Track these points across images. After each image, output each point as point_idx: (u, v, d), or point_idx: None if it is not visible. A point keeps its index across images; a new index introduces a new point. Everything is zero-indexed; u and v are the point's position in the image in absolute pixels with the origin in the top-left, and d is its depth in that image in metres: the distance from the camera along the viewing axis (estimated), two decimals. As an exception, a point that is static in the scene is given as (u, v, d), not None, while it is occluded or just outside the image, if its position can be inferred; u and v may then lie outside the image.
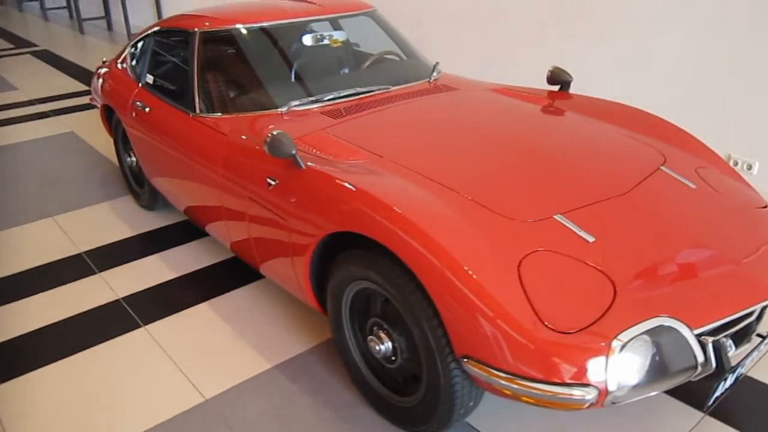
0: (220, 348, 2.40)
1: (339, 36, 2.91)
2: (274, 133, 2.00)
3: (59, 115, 5.57)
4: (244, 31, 2.75)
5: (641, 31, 3.35)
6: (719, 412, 1.99)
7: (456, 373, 1.66)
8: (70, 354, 2.40)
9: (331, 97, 2.58)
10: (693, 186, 2.02)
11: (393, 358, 1.88)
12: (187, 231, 3.33)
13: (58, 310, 2.69)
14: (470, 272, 1.53)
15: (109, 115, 3.63)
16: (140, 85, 3.15)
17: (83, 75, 7.03)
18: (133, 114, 3.07)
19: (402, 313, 1.73)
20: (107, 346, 2.44)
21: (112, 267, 3.02)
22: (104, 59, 3.84)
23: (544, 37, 3.85)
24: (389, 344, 1.86)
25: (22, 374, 2.31)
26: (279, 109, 2.51)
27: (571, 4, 3.64)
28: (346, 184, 1.81)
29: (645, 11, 3.31)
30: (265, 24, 2.78)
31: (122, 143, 3.61)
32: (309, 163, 2.00)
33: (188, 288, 2.81)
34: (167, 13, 8.10)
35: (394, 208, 1.66)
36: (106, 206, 3.68)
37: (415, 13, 4.66)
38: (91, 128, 5.13)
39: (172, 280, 2.88)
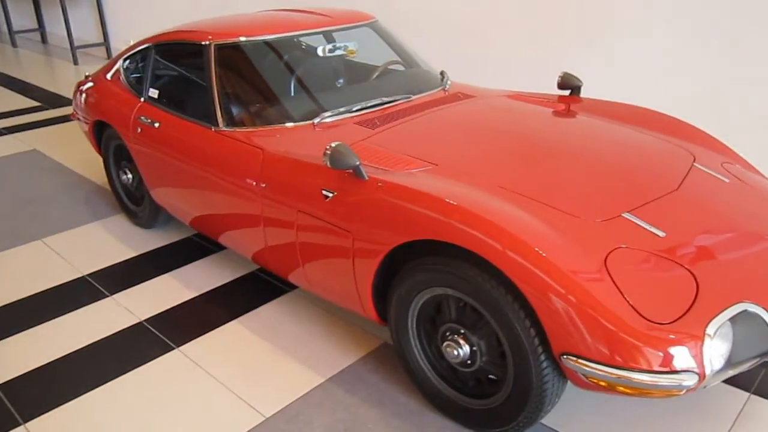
0: (264, 365, 2.35)
1: (353, 46, 2.91)
2: (334, 145, 1.99)
3: (15, 132, 5.25)
4: (260, 43, 2.72)
5: (628, 39, 3.54)
6: (764, 391, 2.14)
7: (548, 371, 1.70)
8: (105, 381, 2.28)
9: (360, 107, 2.58)
10: (726, 180, 2.17)
11: (469, 361, 1.90)
12: (193, 248, 3.23)
13: (77, 336, 2.55)
14: (567, 274, 1.58)
15: (98, 133, 3.47)
16: (142, 99, 3.03)
17: (28, 90, 6.65)
18: (139, 130, 2.95)
19: (489, 317, 1.76)
20: (144, 370, 2.34)
21: (123, 289, 2.88)
22: (87, 74, 3.67)
23: (533, 45, 3.99)
24: (467, 348, 1.88)
25: (57, 406, 2.17)
26: (312, 121, 2.49)
27: (562, 13, 3.80)
28: (427, 193, 1.82)
29: (631, 19, 3.50)
30: (281, 35, 2.76)
31: (114, 161, 3.46)
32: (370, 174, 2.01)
33: (213, 306, 2.73)
34: (114, 26, 7.80)
35: (487, 217, 1.69)
36: (98, 226, 3.51)
37: (408, 22, 4.72)
38: (56, 145, 4.86)
39: (194, 299, 2.79)
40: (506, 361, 1.80)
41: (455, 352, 1.89)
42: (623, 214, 1.85)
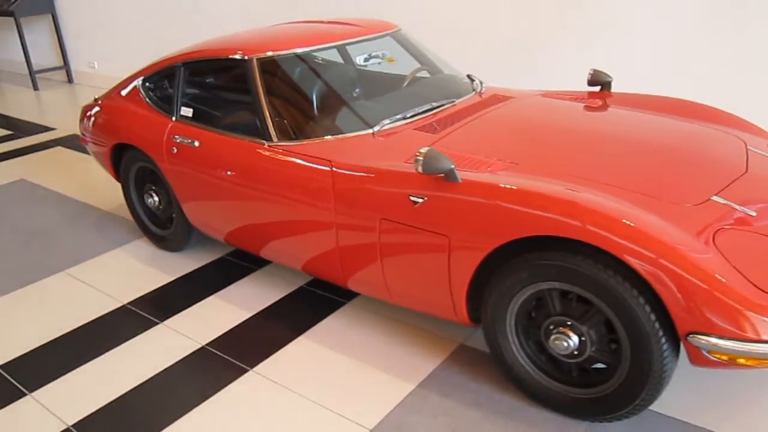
0: (348, 377, 2.32)
1: (389, 54, 2.93)
2: (425, 150, 2.00)
3: (-6, 163, 4.99)
4: (301, 55, 2.70)
5: (624, 37, 3.70)
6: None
7: (667, 352, 1.77)
8: (189, 410, 2.20)
9: (413, 113, 2.60)
10: (778, 161, 2.31)
11: (576, 352, 1.95)
12: (230, 268, 3.16)
13: (142, 366, 2.45)
14: (688, 258, 1.65)
15: (115, 157, 3.34)
16: (174, 119, 2.95)
17: (-7, 119, 6.33)
18: (174, 150, 2.87)
19: (603, 306, 1.81)
20: (225, 395, 2.27)
21: (172, 314, 2.79)
22: (95, 97, 3.53)
23: (530, 45, 4.11)
24: (576, 339, 1.93)
25: (146, 441, 2.09)
26: (371, 130, 2.49)
27: (560, 15, 3.93)
28: (541, 192, 1.86)
29: (626, 18, 3.66)
30: (320, 46, 2.75)
31: (135, 184, 3.34)
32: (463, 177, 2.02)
33: (274, 324, 2.67)
34: (74, 50, 7.49)
35: (607, 212, 1.73)
36: (120, 253, 3.38)
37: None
38: (43, 173, 4.64)
39: (251, 319, 2.72)
40: (620, 347, 1.86)
41: (564, 344, 1.93)
42: (712, 198, 1.94)
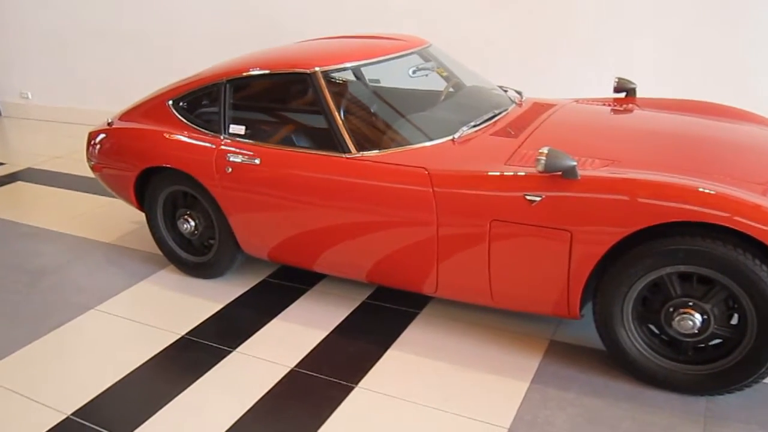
0: (456, 382, 2.32)
1: (437, 65, 3.00)
2: (546, 150, 2.08)
3: (-54, 203, 4.49)
4: (365, 66, 2.71)
5: (623, 45, 4.01)
6: None
7: (797, 321, 1.94)
8: (311, 433, 2.12)
9: (481, 120, 2.68)
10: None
11: (697, 330, 2.08)
12: (278, 289, 3.05)
13: (238, 397, 2.31)
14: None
15: (139, 184, 3.14)
16: (222, 137, 2.83)
17: None
18: (228, 170, 2.75)
19: (731, 283, 1.96)
20: (341, 415, 2.19)
21: (241, 341, 2.65)
22: (109, 120, 3.31)
23: (529, 57, 4.33)
24: (699, 317, 2.06)
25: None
26: (451, 137, 2.54)
27: (558, 25, 4.18)
28: (664, 180, 1.99)
29: (626, 25, 3.97)
30: (380, 59, 2.77)
31: (163, 210, 3.15)
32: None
33: (355, 340, 2.62)
34: (4, 82, 6.91)
35: (737, 197, 1.90)
36: (149, 285, 3.17)
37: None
38: (15, 208, 4.24)
39: (328, 338, 2.64)
40: (744, 321, 2.01)
41: (690, 323, 2.06)
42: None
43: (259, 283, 3.14)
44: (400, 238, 2.45)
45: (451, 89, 3.01)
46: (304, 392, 2.32)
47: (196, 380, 2.42)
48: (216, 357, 2.56)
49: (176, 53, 5.62)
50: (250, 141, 2.76)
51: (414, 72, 2.91)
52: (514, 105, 2.95)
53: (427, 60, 3.00)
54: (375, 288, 3.01)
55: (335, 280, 3.08)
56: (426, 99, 2.87)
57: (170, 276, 3.25)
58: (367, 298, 2.94)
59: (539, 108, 2.93)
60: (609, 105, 3.04)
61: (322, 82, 2.62)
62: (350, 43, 2.98)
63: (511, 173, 2.22)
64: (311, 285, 3.08)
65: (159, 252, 3.38)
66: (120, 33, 5.87)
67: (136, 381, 2.44)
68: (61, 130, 6.37)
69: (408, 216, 2.39)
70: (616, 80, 3.18)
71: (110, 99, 6.21)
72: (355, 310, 2.85)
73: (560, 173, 2.11)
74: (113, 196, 4.32)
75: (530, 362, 2.42)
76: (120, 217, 4.03)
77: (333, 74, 2.66)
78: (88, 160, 3.39)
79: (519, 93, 3.12)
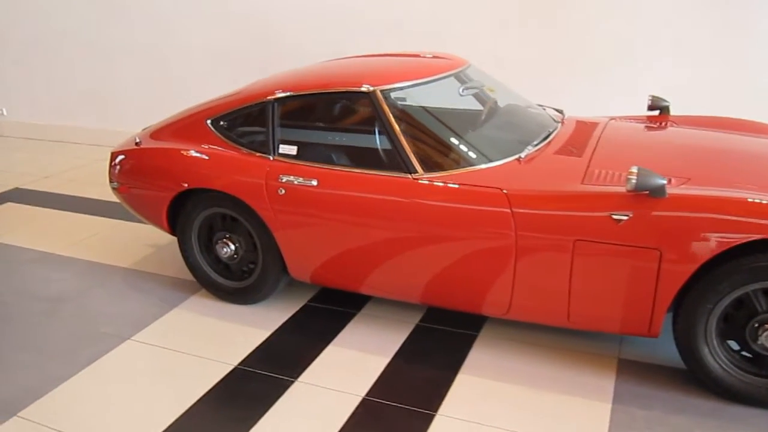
0: (536, 405, 2.28)
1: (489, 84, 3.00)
2: (636, 169, 2.08)
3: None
4: (423, 86, 2.67)
5: (630, 67, 4.11)
6: None
7: None
8: (403, 466, 2.03)
9: (539, 140, 2.67)
10: None
11: (783, 345, 2.11)
12: (325, 314, 2.94)
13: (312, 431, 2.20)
14: None
15: (172, 209, 2.99)
16: (272, 158, 2.73)
17: None
18: (281, 191, 2.65)
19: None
20: (432, 443, 2.12)
21: (301, 370, 2.54)
22: (137, 140, 3.14)
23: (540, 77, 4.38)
24: (788, 331, 2.09)
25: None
26: (517, 156, 2.51)
27: (567, 48, 4.25)
28: (752, 198, 2.03)
29: (632, 49, 4.07)
30: (434, 77, 2.74)
31: (199, 234, 3.00)
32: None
33: (421, 365, 2.54)
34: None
35: None
36: (185, 312, 3.00)
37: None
38: (12, 233, 3.97)
39: (391, 364, 2.56)
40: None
41: (778, 339, 2.09)
42: None
43: (302, 307, 3.03)
44: (471, 260, 2.40)
45: (492, 107, 3.00)
46: (384, 423, 2.23)
47: (265, 413, 2.30)
48: (279, 388, 2.44)
49: (172, 64, 5.44)
50: (305, 162, 2.67)
51: (464, 90, 2.89)
52: (560, 124, 2.96)
53: (470, 79, 2.98)
54: (425, 309, 2.94)
55: (381, 303, 3.00)
56: (476, 118, 2.85)
57: (204, 302, 3.10)
58: (420, 321, 2.87)
59: (585, 126, 2.95)
60: (649, 122, 3.09)
61: (383, 101, 2.56)
62: (401, 62, 2.94)
63: (597, 192, 2.21)
64: (357, 308, 2.99)
65: (184, 276, 3.25)
66: (109, 43, 5.64)
67: (198, 417, 2.30)
68: (42, 147, 6.05)
69: (482, 237, 2.35)
70: (650, 98, 3.24)
71: (98, 115, 5.97)
72: (411, 334, 2.77)
73: (647, 192, 2.12)
74: (114, 218, 4.17)
75: (605, 382, 2.40)
76: (130, 240, 3.83)
77: (391, 93, 2.60)
78: (111, 181, 3.21)
79: (560, 111, 3.14)
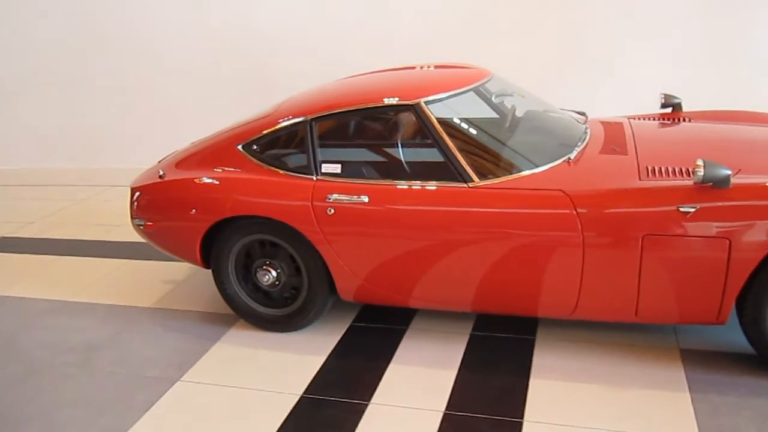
0: (616, 402, 2.29)
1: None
2: (701, 162, 2.15)
3: None
4: (462, 95, 2.69)
5: (631, 70, 4.26)
6: None
7: None
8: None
9: (580, 140, 2.72)
10: None
11: None
12: (374, 333, 2.89)
13: (405, 451, 2.15)
14: None
15: (205, 241, 2.89)
16: (315, 178, 2.67)
17: None
18: (330, 211, 2.60)
19: None
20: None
21: (370, 393, 2.47)
22: (161, 173, 3.01)
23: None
24: None
25: None
26: (566, 158, 2.55)
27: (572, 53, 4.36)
28: None
29: (633, 54, 4.23)
30: (469, 87, 2.77)
31: (236, 264, 2.91)
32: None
33: (489, 375, 2.52)
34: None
35: None
36: (227, 347, 2.89)
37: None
38: (14, 284, 3.74)
39: (459, 376, 2.52)
40: None
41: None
42: None
43: (348, 329, 2.96)
44: (535, 263, 2.41)
45: (524, 114, 3.04)
46: (475, 436, 2.20)
47: (352, 442, 2.23)
48: (354, 413, 2.37)
49: (156, 99, 5.29)
50: (351, 179, 2.63)
51: (496, 98, 2.92)
52: (588, 126, 3.02)
53: (497, 87, 3.01)
54: (474, 318, 2.93)
55: (428, 316, 2.97)
56: (512, 124, 2.88)
57: (244, 333, 2.99)
58: (473, 330, 2.85)
59: (612, 126, 3.02)
60: (667, 119, 3.20)
61: (429, 113, 2.56)
62: (430, 73, 2.95)
63: (662, 186, 2.26)
64: (405, 324, 2.95)
65: (215, 310, 3.18)
66: (87, 81, 5.44)
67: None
68: (17, 193, 5.74)
69: (547, 240, 2.37)
70: (662, 96, 3.35)
71: (70, 153, 5.73)
72: (468, 344, 2.75)
73: (711, 183, 2.18)
74: (119, 258, 4.00)
75: (675, 373, 2.44)
76: (144, 279, 3.67)
77: (435, 104, 2.60)
78: (134, 218, 3.08)
79: (583, 113, 3.21)
